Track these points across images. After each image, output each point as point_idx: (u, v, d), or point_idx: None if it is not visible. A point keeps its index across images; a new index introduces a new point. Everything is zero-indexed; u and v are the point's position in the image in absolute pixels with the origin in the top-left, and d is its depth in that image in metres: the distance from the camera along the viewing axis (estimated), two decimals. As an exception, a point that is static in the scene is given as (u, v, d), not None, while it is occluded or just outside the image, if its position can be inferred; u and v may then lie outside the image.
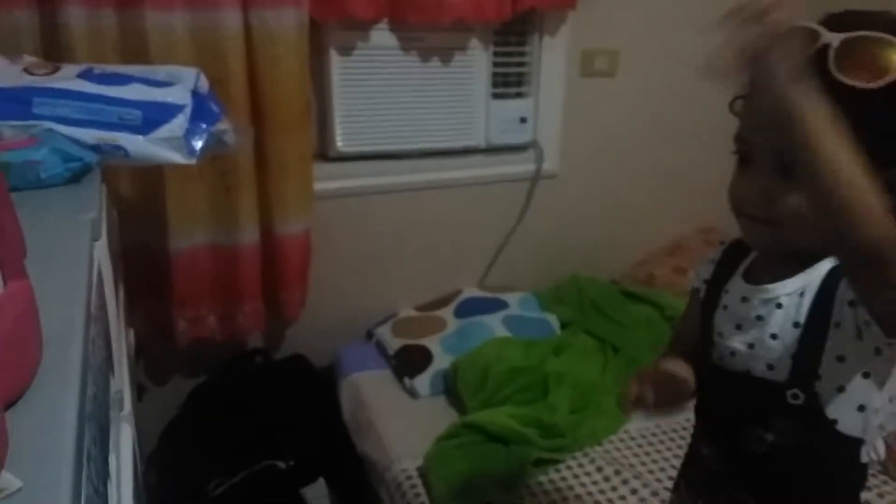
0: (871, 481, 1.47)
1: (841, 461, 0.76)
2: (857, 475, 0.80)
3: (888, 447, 1.50)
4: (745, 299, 0.78)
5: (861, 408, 0.73)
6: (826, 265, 0.73)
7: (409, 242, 2.09)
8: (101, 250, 0.88)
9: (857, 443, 0.75)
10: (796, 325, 0.73)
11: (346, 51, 1.86)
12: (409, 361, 1.84)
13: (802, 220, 0.69)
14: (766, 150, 0.70)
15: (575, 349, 1.85)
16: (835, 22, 0.68)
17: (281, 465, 1.68)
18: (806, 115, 0.58)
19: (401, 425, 1.65)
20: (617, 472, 1.47)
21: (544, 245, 2.24)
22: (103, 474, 0.57)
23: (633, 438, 1.60)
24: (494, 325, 1.93)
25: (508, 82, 2.07)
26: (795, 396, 0.73)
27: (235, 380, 1.86)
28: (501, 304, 2.03)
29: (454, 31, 1.92)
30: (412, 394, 1.78)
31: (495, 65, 2.03)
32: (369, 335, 2.06)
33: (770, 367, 0.75)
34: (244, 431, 1.68)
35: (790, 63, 0.59)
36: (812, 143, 0.58)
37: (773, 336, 0.75)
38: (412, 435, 1.58)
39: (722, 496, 0.81)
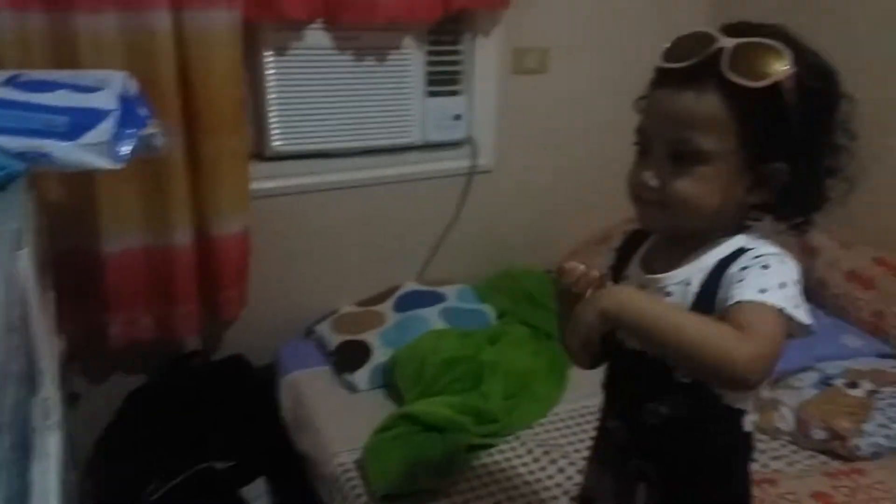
0: (781, 451, 1.58)
1: (727, 429, 0.83)
2: (743, 443, 0.87)
3: (799, 419, 1.63)
4: (641, 286, 0.85)
5: None
6: (710, 259, 0.79)
7: (348, 239, 2.12)
8: (24, 260, 0.89)
9: (739, 413, 0.83)
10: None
11: (280, 50, 1.87)
12: (349, 357, 1.88)
13: (689, 202, 0.76)
14: (660, 141, 0.77)
15: (509, 338, 1.91)
16: (732, 30, 0.76)
17: (220, 465, 1.70)
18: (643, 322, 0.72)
19: (340, 421, 1.68)
20: (546, 453, 1.55)
21: (481, 238, 2.30)
22: (22, 481, 0.59)
23: (562, 420, 1.68)
24: (432, 317, 1.98)
25: (443, 80, 2.12)
26: (684, 375, 0.80)
27: (172, 382, 1.86)
28: (439, 297, 2.08)
29: (388, 31, 1.95)
30: (351, 389, 1.81)
31: (429, 63, 2.07)
32: (309, 332, 2.08)
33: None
34: (182, 434, 1.68)
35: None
36: (647, 328, 0.72)
37: None
38: (351, 429, 1.61)
39: (627, 465, 0.88)
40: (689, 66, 0.74)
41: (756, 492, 1.27)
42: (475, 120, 2.19)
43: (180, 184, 1.67)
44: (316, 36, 1.89)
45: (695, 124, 0.74)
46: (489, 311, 2.08)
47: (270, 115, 1.91)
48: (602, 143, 2.32)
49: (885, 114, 1.97)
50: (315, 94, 1.95)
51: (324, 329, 2.02)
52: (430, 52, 2.07)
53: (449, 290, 2.12)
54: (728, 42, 0.72)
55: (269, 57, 1.85)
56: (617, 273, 0.91)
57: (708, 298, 0.77)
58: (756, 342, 0.69)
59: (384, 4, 1.80)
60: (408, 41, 2.01)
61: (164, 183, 1.65)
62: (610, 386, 0.93)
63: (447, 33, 2.08)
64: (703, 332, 0.70)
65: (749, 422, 0.85)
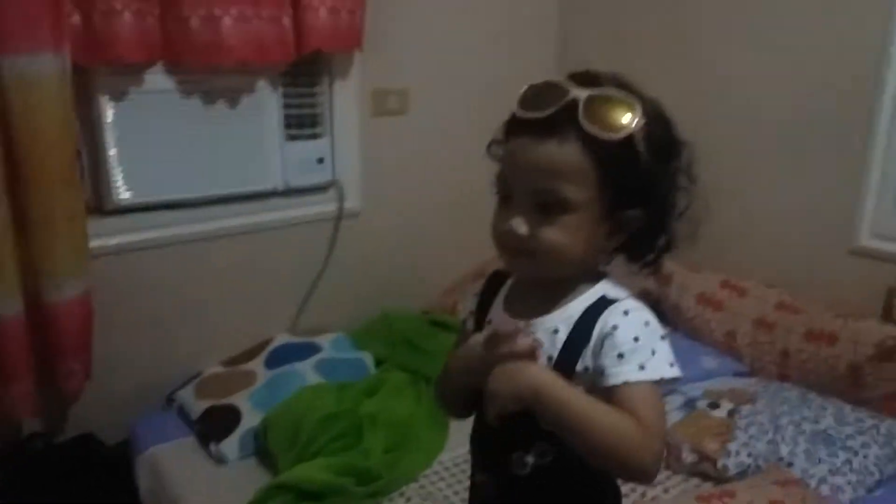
0: (658, 477, 1.64)
1: (592, 475, 0.81)
2: (610, 488, 0.88)
3: (669, 444, 1.69)
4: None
5: None
6: (575, 307, 0.79)
7: (210, 295, 1.98)
8: None
9: None
10: (550, 359, 0.79)
11: (120, 96, 1.74)
12: (215, 424, 1.73)
13: (556, 251, 0.76)
14: (525, 191, 0.76)
15: (388, 387, 1.86)
16: (579, 79, 0.77)
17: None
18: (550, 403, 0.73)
19: (207, 498, 1.54)
20: (436, 497, 1.50)
21: (354, 282, 2.24)
22: None
23: (446, 469, 1.64)
24: (307, 371, 1.88)
25: (302, 123, 2.05)
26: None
27: (11, 471, 1.63)
28: (314, 349, 1.99)
29: (239, 74, 1.87)
30: (220, 460, 1.67)
31: (286, 106, 2.01)
32: (169, 401, 1.91)
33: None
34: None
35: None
36: (553, 407, 0.73)
37: None
38: (220, 505, 1.48)
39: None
40: (546, 116, 0.74)
41: (636, 522, 1.31)
42: (339, 163, 2.14)
43: (5, 247, 1.48)
44: (159, 80, 1.78)
45: (559, 174, 0.74)
46: (367, 358, 2.02)
47: (112, 165, 1.75)
48: (467, 180, 2.34)
49: (717, 154, 2.16)
50: (162, 141, 1.82)
51: (185, 396, 1.86)
52: (286, 95, 2.00)
53: (324, 340, 2.03)
54: (580, 93, 0.74)
55: (106, 103, 1.71)
56: (480, 317, 0.89)
57: (575, 347, 0.78)
58: (657, 438, 0.74)
59: (232, 46, 1.72)
60: (261, 84, 1.94)
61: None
62: (477, 439, 0.90)
63: (303, 75, 2.02)
64: (615, 429, 0.72)
65: None
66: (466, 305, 0.93)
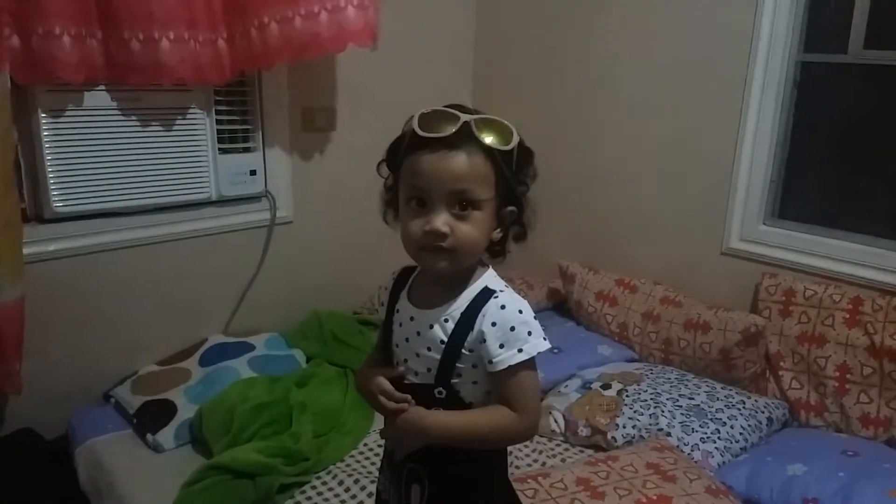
0: (556, 450, 1.85)
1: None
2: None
3: (567, 421, 1.90)
4: (412, 318, 1.01)
5: (487, 392, 0.99)
6: (464, 299, 0.97)
7: (146, 298, 2.08)
8: None
9: None
10: (442, 342, 0.97)
11: (56, 111, 1.83)
12: (152, 417, 1.84)
13: (470, 244, 0.93)
14: (440, 195, 0.92)
15: (318, 379, 2.01)
16: (458, 108, 0.95)
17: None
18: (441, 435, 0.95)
19: (145, 483, 1.65)
20: (356, 482, 1.66)
21: (286, 286, 2.38)
22: None
23: (370, 450, 1.80)
24: (241, 367, 2.01)
25: (235, 138, 2.19)
26: (440, 392, 0.97)
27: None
28: (248, 347, 2.12)
29: (174, 91, 1.99)
30: (156, 449, 1.78)
31: (219, 122, 2.14)
32: (107, 398, 2.00)
33: (428, 370, 0.98)
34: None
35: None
36: (446, 437, 0.95)
37: (429, 349, 0.98)
38: (157, 490, 1.60)
39: (403, 469, 1.03)
40: (450, 135, 0.92)
41: (532, 485, 1.51)
42: (270, 174, 2.29)
43: None
44: (97, 96, 1.88)
45: (471, 178, 0.92)
46: (299, 355, 2.16)
47: (49, 175, 1.84)
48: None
49: (613, 171, 2.44)
50: (97, 153, 1.93)
51: (122, 392, 1.96)
52: (219, 112, 2.13)
53: (257, 340, 2.16)
54: (467, 117, 0.93)
55: (44, 118, 1.81)
56: (390, 308, 1.06)
57: (461, 334, 0.96)
58: (530, 415, 0.96)
59: (171, 67, 1.84)
60: (195, 100, 2.06)
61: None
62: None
63: (235, 94, 2.16)
64: (497, 429, 0.96)
65: None
66: (379, 298, 1.09)
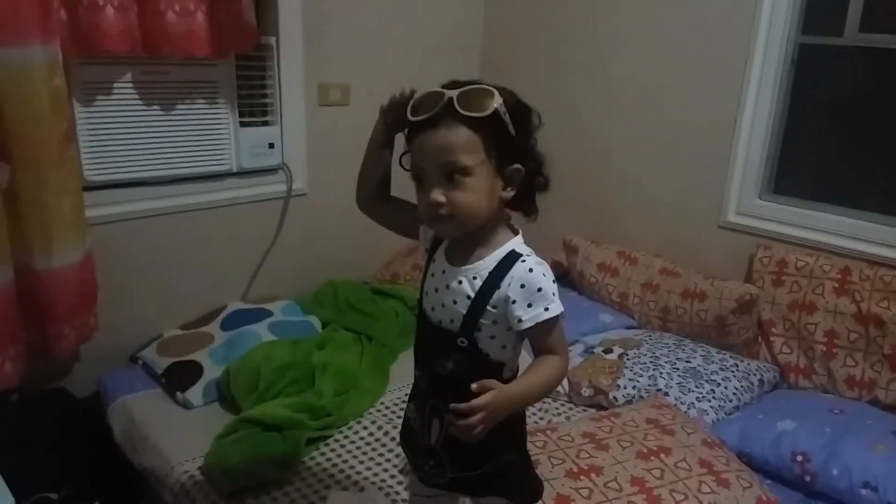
0: (561, 409, 1.97)
1: (491, 377, 1.07)
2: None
3: (571, 383, 2.02)
4: (444, 272, 1.11)
5: (503, 346, 1.09)
6: (491, 259, 1.06)
7: (170, 265, 2.17)
8: None
9: (500, 365, 1.11)
10: (468, 297, 1.06)
11: (89, 84, 1.91)
12: (180, 377, 1.95)
13: (468, 207, 1.02)
14: (433, 169, 1.02)
15: (335, 343, 2.11)
16: (450, 85, 1.03)
17: (53, 496, 1.69)
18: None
19: (178, 435, 1.76)
20: (379, 428, 1.79)
21: (301, 256, 2.47)
22: None
23: (387, 408, 1.92)
24: (261, 331, 2.11)
25: (254, 112, 2.27)
26: (462, 342, 1.07)
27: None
28: (266, 314, 2.22)
29: (199, 66, 2.07)
30: (185, 406, 1.89)
31: (240, 97, 2.22)
32: (134, 359, 2.10)
33: (452, 321, 1.08)
34: (9, 470, 1.64)
35: None
36: (520, 406, 1.07)
37: (455, 301, 1.07)
38: (190, 441, 1.71)
39: (427, 404, 1.13)
40: (433, 114, 1.00)
41: (541, 437, 1.63)
42: (287, 148, 2.37)
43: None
44: (125, 70, 1.96)
45: (455, 149, 1.00)
46: (314, 321, 2.26)
47: (82, 145, 1.92)
48: (400, 167, 2.63)
49: (615, 148, 2.53)
50: (127, 125, 2.01)
51: (149, 354, 2.06)
52: (240, 87, 2.21)
53: (274, 307, 2.26)
54: (453, 92, 1.01)
55: (78, 90, 1.88)
56: (427, 264, 1.17)
57: (488, 291, 1.05)
58: (564, 357, 1.07)
59: (202, 39, 1.91)
60: (219, 74, 2.14)
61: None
62: (417, 347, 1.18)
63: (255, 69, 2.24)
64: (552, 379, 1.07)
65: (508, 370, 1.13)
66: (425, 238, 1.17)
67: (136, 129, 2.02)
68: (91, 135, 1.94)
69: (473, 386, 0.98)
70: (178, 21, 1.85)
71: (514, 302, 1.03)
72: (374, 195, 1.23)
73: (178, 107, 2.09)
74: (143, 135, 2.04)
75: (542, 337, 1.05)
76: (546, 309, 1.02)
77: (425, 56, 2.59)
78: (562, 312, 1.04)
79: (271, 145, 2.31)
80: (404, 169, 1.07)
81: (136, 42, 1.84)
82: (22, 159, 1.64)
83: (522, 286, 1.03)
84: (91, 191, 1.97)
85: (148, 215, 2.10)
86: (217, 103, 2.16)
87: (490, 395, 0.97)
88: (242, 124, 2.24)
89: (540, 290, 1.02)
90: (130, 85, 1.98)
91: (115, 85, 1.95)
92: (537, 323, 1.03)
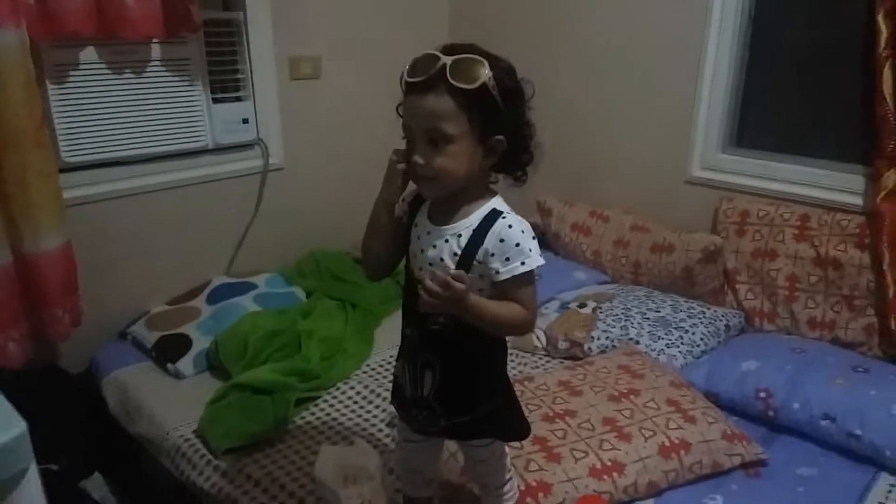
0: (538, 362, 2.06)
1: (481, 331, 1.15)
2: (497, 340, 1.24)
3: (548, 336, 2.11)
4: (428, 233, 1.17)
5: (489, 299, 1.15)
6: (474, 218, 1.11)
7: (152, 243, 2.22)
8: None
9: None
10: (455, 254, 1.12)
11: (61, 67, 1.93)
12: (169, 349, 2.01)
13: (447, 171, 1.07)
14: (420, 132, 1.07)
15: (320, 310, 2.18)
16: (448, 49, 1.08)
17: (54, 467, 1.75)
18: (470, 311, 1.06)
19: (171, 403, 1.83)
20: (366, 387, 1.88)
21: (282, 229, 2.52)
22: None
23: (373, 370, 2.00)
24: (247, 303, 2.17)
25: (226, 88, 2.30)
26: None
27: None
28: (250, 286, 2.28)
29: (167, 44, 2.09)
30: (177, 376, 1.95)
31: (211, 73, 2.24)
32: (123, 335, 2.15)
33: (430, 274, 1.14)
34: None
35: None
36: (475, 317, 1.07)
37: (442, 259, 1.13)
38: (184, 408, 1.78)
39: (418, 359, 1.20)
40: (426, 78, 1.05)
41: (519, 387, 1.72)
42: (262, 123, 2.40)
43: None
44: (94, 51, 1.97)
45: (440, 116, 1.05)
46: (299, 292, 2.33)
47: (57, 127, 1.95)
48: (376, 136, 2.64)
49: (585, 109, 2.59)
50: (100, 105, 2.03)
51: (138, 329, 2.11)
52: (210, 63, 2.23)
53: (258, 279, 2.32)
54: (447, 59, 1.06)
55: (49, 72, 1.90)
56: (410, 220, 1.22)
57: (473, 247, 1.11)
58: (533, 312, 1.13)
59: (158, 20, 1.93)
60: (187, 52, 2.15)
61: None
62: (407, 304, 1.24)
63: (225, 45, 2.26)
64: (512, 319, 1.11)
65: None
66: (399, 211, 1.22)
67: (110, 109, 2.05)
68: (66, 116, 1.97)
69: (452, 271, 1.06)
70: (136, 4, 1.86)
71: (492, 255, 1.09)
72: (386, 271, 1.27)
73: (151, 85, 2.11)
74: (118, 114, 2.06)
75: (514, 291, 1.11)
76: (522, 263, 1.08)
77: (393, 23, 2.62)
78: (537, 267, 1.09)
79: (245, 121, 2.34)
80: (400, 116, 1.12)
81: (98, 24, 1.85)
82: (3, 142, 1.66)
83: (501, 240, 1.08)
84: (69, 172, 2.00)
85: (128, 194, 2.13)
86: (189, 80, 2.19)
87: (461, 285, 1.03)
88: (215, 100, 2.26)
89: (518, 245, 1.08)
90: (102, 65, 2.00)
91: (87, 66, 1.97)
92: (513, 276, 1.09)
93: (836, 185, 2.09)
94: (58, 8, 1.74)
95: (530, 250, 1.09)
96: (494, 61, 1.08)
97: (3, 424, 0.67)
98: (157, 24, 1.95)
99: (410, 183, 1.14)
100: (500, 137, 1.10)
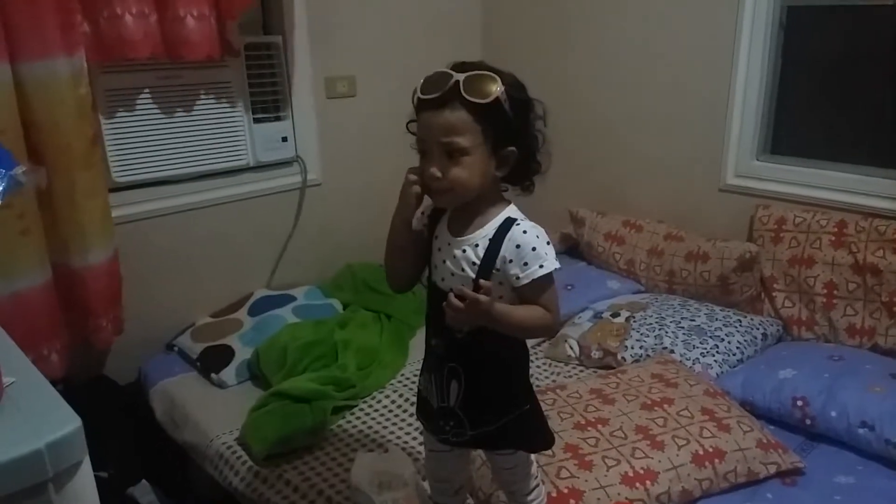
0: (572, 371, 2.07)
1: (506, 337, 1.20)
2: (520, 347, 1.27)
3: (581, 346, 2.12)
4: (448, 244, 1.21)
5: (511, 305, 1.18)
6: (490, 227, 1.16)
7: (197, 258, 2.31)
8: None
9: None
10: (474, 264, 1.16)
11: (111, 91, 2.04)
12: (213, 359, 2.09)
13: (462, 183, 1.12)
14: (435, 146, 1.12)
15: (356, 321, 2.24)
16: (459, 67, 1.13)
17: (103, 475, 1.84)
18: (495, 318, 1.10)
19: (215, 411, 1.90)
20: (401, 395, 1.92)
21: (320, 243, 2.60)
22: None
23: (408, 379, 2.04)
24: (286, 315, 2.25)
25: (266, 108, 2.39)
26: None
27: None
28: (290, 299, 2.35)
29: (211, 67, 2.19)
30: (220, 386, 2.03)
31: (252, 94, 2.34)
32: (170, 347, 2.25)
33: (462, 287, 1.18)
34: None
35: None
36: (503, 325, 1.12)
37: (462, 269, 1.17)
38: (226, 416, 1.85)
39: (444, 368, 1.23)
40: (440, 95, 1.10)
41: (551, 395, 1.74)
42: (300, 141, 2.49)
43: (34, 225, 1.75)
44: (143, 76, 2.09)
45: (455, 130, 1.10)
46: (336, 304, 2.39)
47: (108, 149, 2.06)
48: (409, 151, 2.72)
49: (617, 119, 2.60)
50: (147, 128, 2.14)
51: (184, 341, 2.20)
52: (251, 84, 2.33)
53: (297, 292, 2.39)
54: (460, 76, 1.10)
55: (101, 97, 2.01)
56: (430, 233, 1.27)
57: (492, 256, 1.15)
58: (556, 314, 1.16)
59: (213, 42, 2.04)
60: (230, 74, 2.26)
61: (28, 224, 1.71)
62: (431, 315, 1.28)
63: (265, 66, 2.35)
64: (536, 323, 1.15)
65: None
66: (419, 224, 1.26)
67: (157, 131, 2.16)
68: (116, 139, 2.08)
69: (481, 282, 1.10)
70: (196, 26, 1.97)
71: (510, 262, 1.13)
72: (409, 284, 1.31)
73: (195, 107, 2.22)
74: (164, 136, 2.17)
75: (537, 294, 1.14)
76: (541, 266, 1.12)
77: (427, 42, 2.68)
78: (556, 269, 1.13)
79: (284, 139, 2.43)
80: (410, 133, 1.17)
81: (156, 47, 1.95)
82: (54, 164, 1.77)
83: (518, 246, 1.12)
84: (119, 191, 2.11)
85: (174, 212, 2.23)
86: (231, 102, 2.29)
87: (487, 298, 1.07)
88: (256, 120, 2.36)
89: (534, 249, 1.12)
90: (149, 90, 2.11)
91: (135, 91, 2.08)
92: (533, 280, 1.12)
93: (874, 190, 2.06)
94: (114, 34, 1.85)
95: (546, 254, 1.12)
96: (503, 76, 1.12)
97: (61, 420, 0.73)
98: (215, 45, 2.05)
99: (426, 198, 1.18)
100: (513, 148, 1.14)
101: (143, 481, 1.90)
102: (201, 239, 2.31)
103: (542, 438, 1.30)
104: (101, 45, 1.86)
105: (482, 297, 1.06)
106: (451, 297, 1.07)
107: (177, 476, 1.99)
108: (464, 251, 1.17)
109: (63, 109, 1.75)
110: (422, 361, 1.32)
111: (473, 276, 1.15)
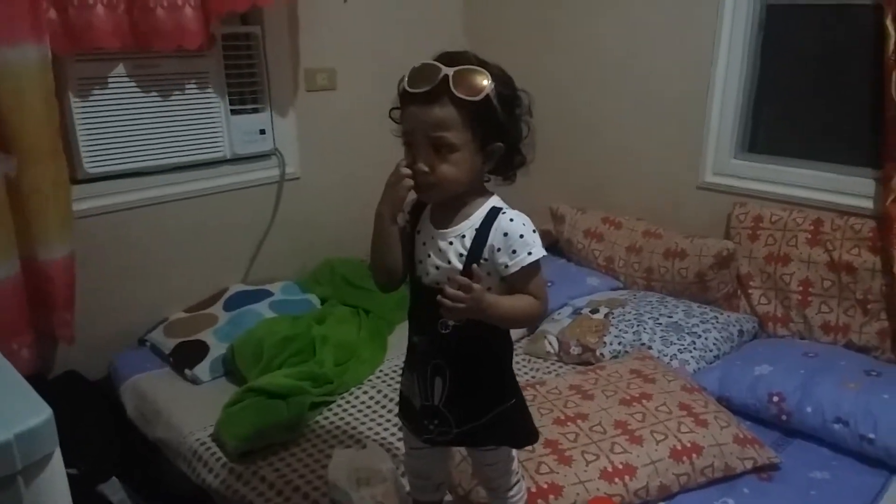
0: (551, 367, 2.07)
1: (491, 332, 1.19)
2: (504, 341, 1.27)
3: (560, 342, 2.12)
4: (432, 238, 1.19)
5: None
6: (476, 218, 1.14)
7: (171, 251, 2.26)
8: None
9: None
10: (461, 255, 1.15)
11: (84, 80, 1.99)
12: (187, 355, 2.04)
13: (450, 179, 1.10)
14: (423, 141, 1.10)
15: (334, 317, 2.21)
16: (446, 59, 1.11)
17: (73, 472, 1.79)
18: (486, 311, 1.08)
19: (188, 408, 1.86)
20: (379, 391, 1.90)
21: (298, 237, 2.56)
22: None
23: (386, 374, 2.02)
24: (263, 310, 2.21)
25: (244, 99, 2.35)
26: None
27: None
28: (266, 294, 2.31)
29: (188, 57, 2.14)
30: (194, 381, 1.99)
31: (230, 85, 2.29)
32: (142, 342, 2.20)
33: (448, 279, 1.15)
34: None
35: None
36: (494, 316, 1.10)
37: (449, 262, 1.16)
38: (200, 413, 1.81)
39: (428, 365, 1.21)
40: (429, 89, 1.08)
41: (531, 391, 1.73)
42: (278, 133, 2.45)
43: (3, 217, 1.72)
44: (118, 65, 2.03)
45: (444, 126, 1.08)
46: (313, 299, 2.36)
47: (80, 139, 2.01)
48: (390, 145, 2.69)
49: (597, 118, 2.61)
50: (122, 117, 2.08)
51: (156, 336, 2.16)
52: (229, 75, 2.28)
53: (274, 287, 2.35)
54: (449, 70, 1.08)
55: (73, 85, 1.96)
56: (412, 227, 1.25)
57: (479, 245, 1.13)
58: (545, 301, 1.16)
59: (193, 31, 2.00)
60: (207, 64, 2.21)
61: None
62: (414, 312, 1.26)
63: (243, 57, 2.31)
64: (525, 312, 1.15)
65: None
66: (401, 221, 1.24)
67: (132, 121, 2.10)
68: (89, 129, 2.02)
69: (473, 267, 1.09)
70: (167, 16, 1.92)
71: (499, 250, 1.12)
72: (398, 282, 1.26)
73: (171, 98, 2.17)
74: (139, 126, 2.12)
75: (525, 282, 1.14)
76: (529, 253, 1.11)
77: (408, 36, 2.65)
78: (543, 256, 1.13)
79: (262, 131, 2.39)
80: (394, 122, 1.15)
81: (126, 38, 1.91)
82: (22, 153, 1.72)
83: (506, 234, 1.11)
84: (92, 182, 2.06)
85: (148, 204, 2.18)
86: (208, 92, 2.24)
87: (479, 286, 1.06)
88: (233, 112, 2.31)
89: (522, 236, 1.11)
90: (124, 79, 2.06)
91: (109, 79, 2.03)
92: (522, 267, 1.11)
93: (849, 189, 2.09)
94: (82, 23, 1.80)
95: (534, 241, 1.12)
96: (491, 70, 1.11)
97: (31, 410, 0.70)
98: (187, 35, 2.00)
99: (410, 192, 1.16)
100: (500, 143, 1.13)
101: (114, 478, 1.85)
102: (176, 232, 2.27)
103: (526, 434, 1.30)
104: (71, 33, 1.80)
105: (475, 284, 1.05)
106: (447, 287, 1.06)
107: (149, 473, 1.95)
108: (450, 243, 1.15)
109: (31, 97, 1.70)
110: (401, 357, 1.30)
111: (461, 266, 1.14)
